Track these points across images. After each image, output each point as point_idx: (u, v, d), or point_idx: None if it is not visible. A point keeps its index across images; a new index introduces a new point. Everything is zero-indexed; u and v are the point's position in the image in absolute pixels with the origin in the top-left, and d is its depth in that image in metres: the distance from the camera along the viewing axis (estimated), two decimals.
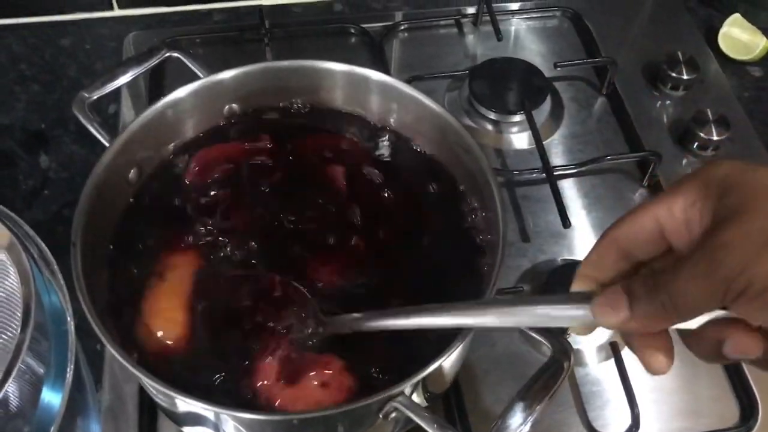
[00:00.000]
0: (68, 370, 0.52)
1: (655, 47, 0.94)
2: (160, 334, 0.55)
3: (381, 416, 0.50)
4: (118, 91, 0.75)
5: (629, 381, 0.66)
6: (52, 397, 0.51)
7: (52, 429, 0.50)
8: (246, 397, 0.53)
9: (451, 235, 0.62)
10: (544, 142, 0.82)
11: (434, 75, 0.89)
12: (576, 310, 0.41)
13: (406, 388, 0.49)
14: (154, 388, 0.50)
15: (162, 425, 0.64)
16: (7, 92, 0.88)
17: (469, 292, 0.56)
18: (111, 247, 0.60)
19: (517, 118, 0.85)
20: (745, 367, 0.68)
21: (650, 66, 0.92)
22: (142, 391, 0.65)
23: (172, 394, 0.48)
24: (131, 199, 0.63)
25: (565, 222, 0.75)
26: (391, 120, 0.67)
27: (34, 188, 0.80)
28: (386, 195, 0.63)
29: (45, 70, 0.91)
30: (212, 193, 0.63)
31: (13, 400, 0.54)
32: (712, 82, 0.92)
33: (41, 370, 0.53)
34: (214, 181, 0.63)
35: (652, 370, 0.41)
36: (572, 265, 0.72)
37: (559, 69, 0.89)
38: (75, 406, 0.57)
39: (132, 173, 0.62)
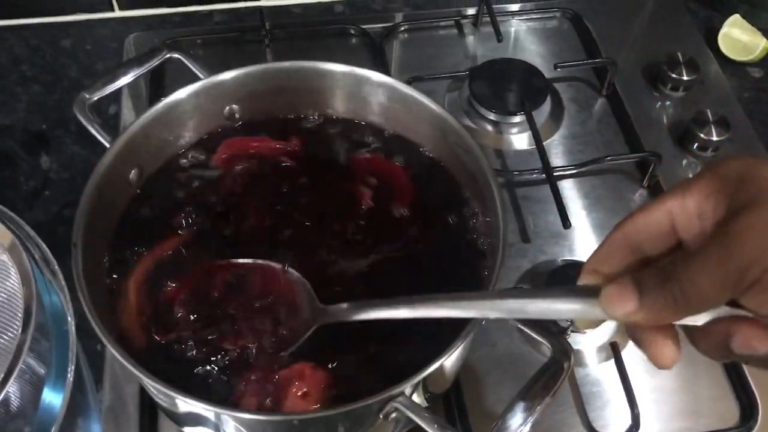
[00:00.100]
0: (69, 370, 0.52)
1: (655, 48, 0.94)
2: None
3: (381, 416, 0.50)
4: (118, 91, 0.75)
5: (629, 381, 0.66)
6: (53, 398, 0.52)
7: (53, 429, 0.50)
8: None
9: (452, 239, 0.62)
10: (544, 143, 0.82)
11: (434, 76, 0.89)
12: (583, 303, 0.40)
13: (407, 388, 0.49)
14: (155, 388, 0.50)
15: (163, 425, 0.64)
16: (8, 93, 0.88)
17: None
18: (112, 247, 0.60)
19: (517, 118, 0.85)
20: (745, 368, 0.68)
21: (650, 67, 0.92)
22: (143, 392, 0.65)
23: (173, 394, 0.48)
24: (132, 200, 0.63)
25: (565, 222, 0.75)
26: (392, 121, 0.68)
27: (35, 189, 0.80)
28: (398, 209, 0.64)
29: (46, 71, 0.91)
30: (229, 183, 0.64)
31: (14, 401, 0.54)
32: (712, 82, 0.92)
33: (42, 371, 0.53)
34: (235, 173, 0.64)
35: (659, 363, 0.41)
36: (573, 266, 0.72)
37: (559, 70, 0.90)
38: (76, 406, 0.57)
39: (132, 174, 0.62)
